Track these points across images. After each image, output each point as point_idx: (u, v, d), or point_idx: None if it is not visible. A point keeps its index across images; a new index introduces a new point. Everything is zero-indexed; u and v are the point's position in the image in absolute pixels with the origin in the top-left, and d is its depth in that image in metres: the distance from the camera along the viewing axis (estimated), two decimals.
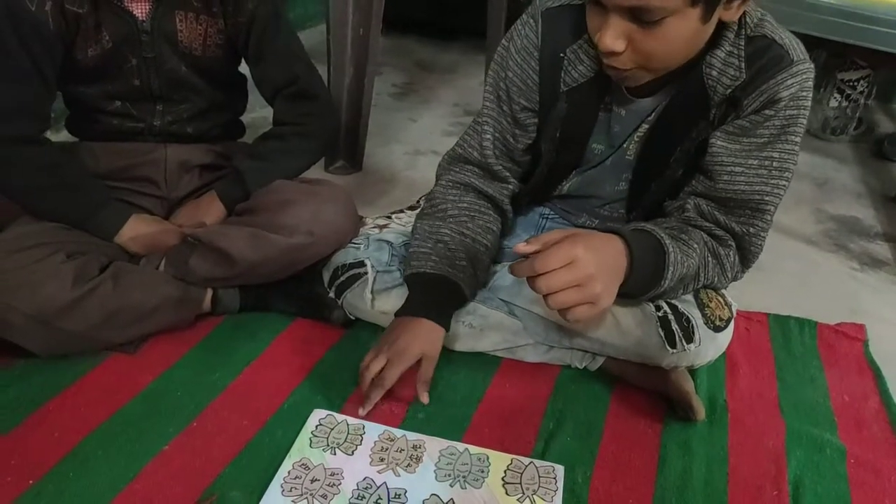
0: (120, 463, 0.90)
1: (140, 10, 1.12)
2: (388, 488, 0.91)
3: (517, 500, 0.92)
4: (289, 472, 0.91)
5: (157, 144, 1.23)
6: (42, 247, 1.03)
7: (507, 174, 1.13)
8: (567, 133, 1.07)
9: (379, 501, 0.89)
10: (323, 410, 1.02)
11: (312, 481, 0.90)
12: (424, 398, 1.03)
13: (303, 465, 0.93)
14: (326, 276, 1.18)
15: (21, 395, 0.99)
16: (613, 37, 0.85)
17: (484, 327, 1.14)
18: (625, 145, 1.07)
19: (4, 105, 1.06)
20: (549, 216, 1.25)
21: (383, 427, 1.00)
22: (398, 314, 1.05)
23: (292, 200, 1.15)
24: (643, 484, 0.96)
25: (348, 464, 0.94)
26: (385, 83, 2.51)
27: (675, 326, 1.03)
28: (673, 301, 1.05)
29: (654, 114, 1.02)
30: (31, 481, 0.86)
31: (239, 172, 1.22)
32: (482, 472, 0.95)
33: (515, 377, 1.14)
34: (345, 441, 0.97)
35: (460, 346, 1.16)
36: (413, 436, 0.99)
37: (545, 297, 0.85)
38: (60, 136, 1.31)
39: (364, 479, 0.92)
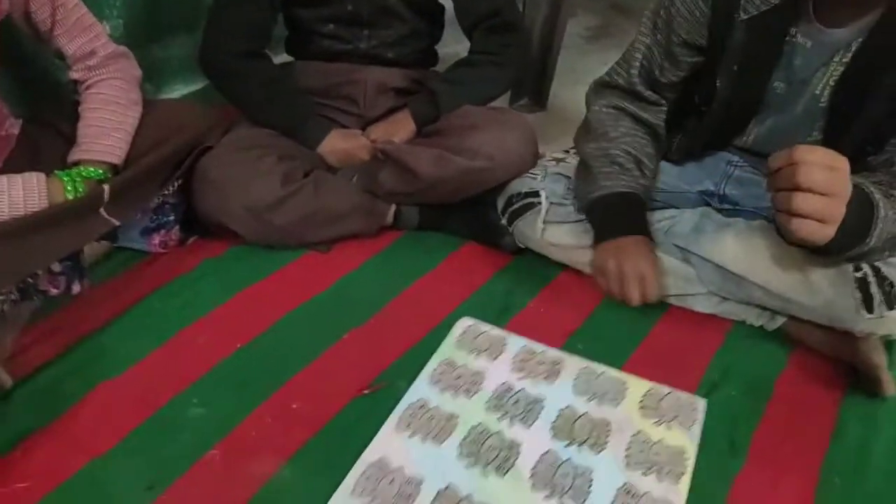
0: (307, 342, 1.02)
1: None
2: (526, 394, 0.95)
3: (653, 423, 0.92)
4: (435, 368, 0.99)
5: (361, 66, 1.33)
6: (259, 149, 1.17)
7: (657, 97, 1.09)
8: (746, 66, 0.99)
9: (517, 404, 0.94)
10: (470, 319, 1.08)
11: (457, 378, 0.97)
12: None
13: (449, 363, 1.00)
14: (500, 203, 1.22)
15: (234, 275, 1.15)
16: None
17: None
18: (817, 91, 0.97)
19: (237, 23, 1.20)
20: (738, 164, 1.17)
21: (525, 340, 1.04)
22: (605, 237, 1.04)
23: (477, 125, 1.19)
24: (812, 450, 0.91)
25: (490, 368, 0.99)
26: (578, 26, 2.44)
27: (874, 290, 0.94)
28: (875, 263, 0.95)
29: (848, 51, 0.91)
30: (238, 344, 1.01)
31: (433, 93, 1.28)
32: (619, 393, 0.96)
33: (682, 324, 1.11)
34: (488, 349, 1.03)
35: None
36: (553, 352, 1.03)
37: (785, 195, 0.78)
38: (278, 58, 1.45)
39: (504, 383, 0.97)
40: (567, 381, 0.98)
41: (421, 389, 0.95)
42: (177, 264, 1.16)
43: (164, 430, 0.88)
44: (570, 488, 0.83)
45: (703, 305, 1.12)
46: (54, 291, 0.95)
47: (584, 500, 0.82)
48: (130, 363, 0.96)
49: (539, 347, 1.03)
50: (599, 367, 1.01)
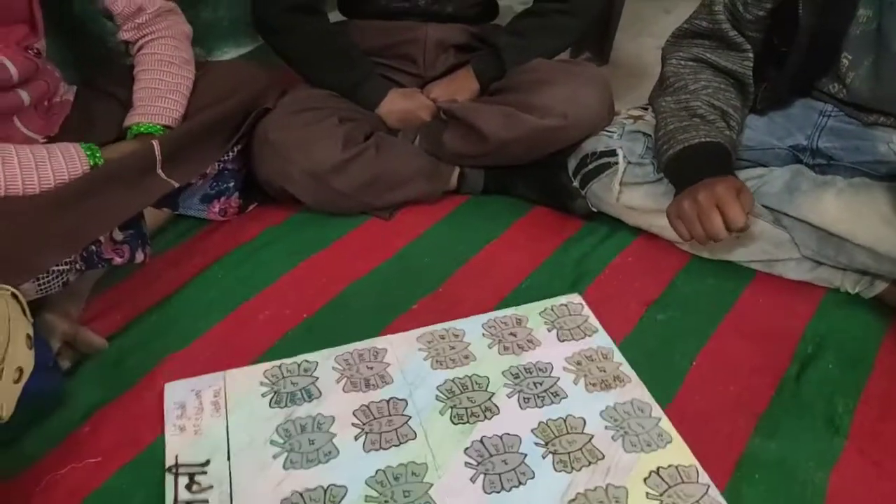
0: (375, 313, 0.98)
1: None
2: (556, 385, 0.86)
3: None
4: (502, 316, 0.96)
5: (420, 23, 1.25)
6: (318, 110, 1.12)
7: (743, 40, 1.01)
8: None
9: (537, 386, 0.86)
10: (579, 297, 1.00)
11: (511, 335, 0.93)
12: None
13: (518, 319, 0.96)
14: (573, 164, 1.14)
15: (296, 243, 1.11)
16: None
17: (741, 234, 1.03)
18: None
19: None
20: (832, 113, 1.06)
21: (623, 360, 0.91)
22: (685, 186, 0.95)
23: (548, 80, 1.12)
24: None
25: (551, 344, 0.92)
26: None
27: None
28: None
29: None
30: (304, 315, 0.98)
31: (497, 49, 1.20)
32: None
33: (771, 293, 1.03)
34: (571, 329, 0.95)
35: (710, 252, 1.07)
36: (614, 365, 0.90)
37: None
38: (331, 17, 1.39)
39: (547, 363, 0.89)
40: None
41: (473, 324, 0.94)
42: (238, 233, 1.13)
43: None
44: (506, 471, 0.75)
45: (794, 272, 1.04)
46: (119, 260, 0.92)
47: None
48: (197, 335, 0.94)
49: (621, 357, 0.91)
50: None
